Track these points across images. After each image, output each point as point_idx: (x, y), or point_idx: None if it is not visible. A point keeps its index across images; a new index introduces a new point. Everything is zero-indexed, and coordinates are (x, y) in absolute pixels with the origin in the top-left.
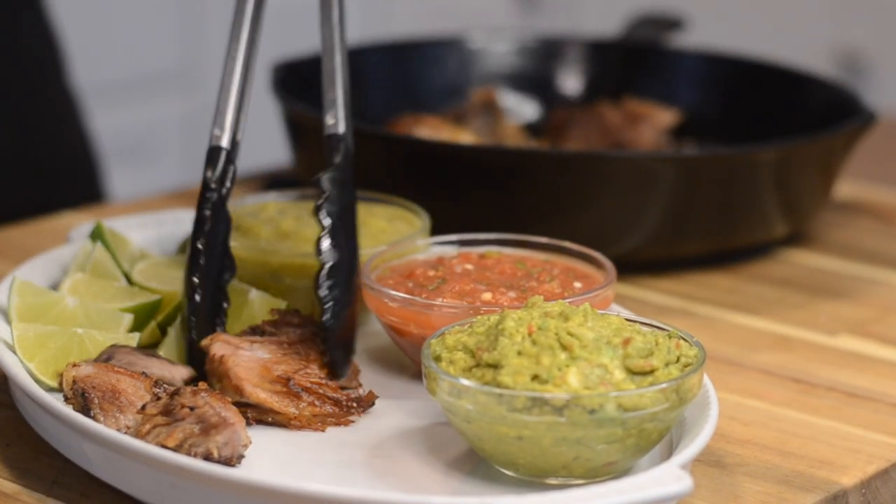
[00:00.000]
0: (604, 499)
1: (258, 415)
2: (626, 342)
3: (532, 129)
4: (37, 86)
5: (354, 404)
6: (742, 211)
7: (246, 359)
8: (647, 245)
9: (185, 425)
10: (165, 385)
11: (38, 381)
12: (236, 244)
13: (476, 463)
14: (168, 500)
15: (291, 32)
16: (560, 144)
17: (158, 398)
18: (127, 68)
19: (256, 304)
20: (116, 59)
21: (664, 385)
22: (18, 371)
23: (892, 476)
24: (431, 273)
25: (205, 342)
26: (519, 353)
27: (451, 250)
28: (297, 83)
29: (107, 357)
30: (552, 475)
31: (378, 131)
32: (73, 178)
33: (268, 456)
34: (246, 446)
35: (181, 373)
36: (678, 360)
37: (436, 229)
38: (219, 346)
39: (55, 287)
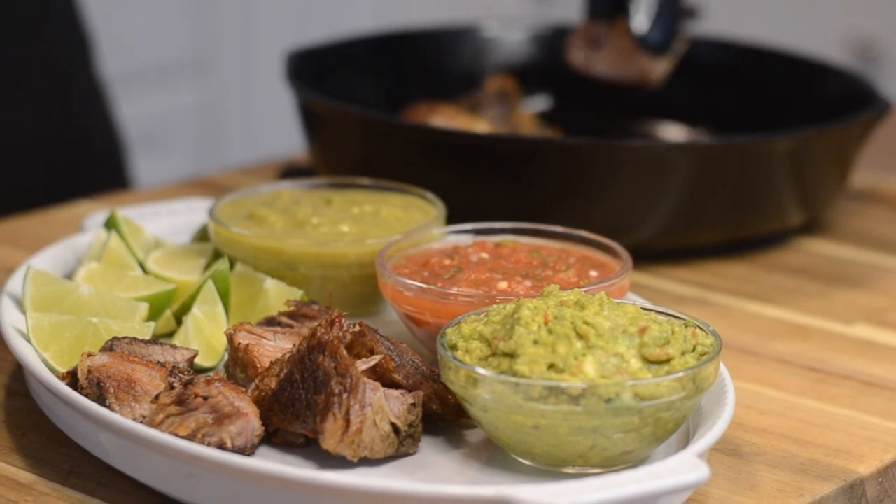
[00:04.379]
0: (620, 488)
1: None
2: (643, 331)
3: (547, 117)
4: (66, 74)
5: None
6: (757, 200)
7: (270, 348)
8: (663, 234)
9: (199, 415)
10: (181, 374)
11: (53, 370)
12: (250, 233)
13: (493, 452)
14: (184, 489)
15: (305, 21)
16: (589, 67)
17: (173, 387)
18: (142, 58)
19: (272, 293)
20: (131, 48)
21: (680, 374)
22: (34, 360)
23: None
24: (447, 262)
25: (228, 331)
26: (535, 342)
27: (466, 239)
28: (312, 71)
29: (108, 348)
30: (569, 464)
31: (393, 120)
32: (100, 165)
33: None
34: (259, 436)
35: (184, 355)
36: (694, 348)
37: (451, 218)
38: (243, 335)
39: (70, 276)
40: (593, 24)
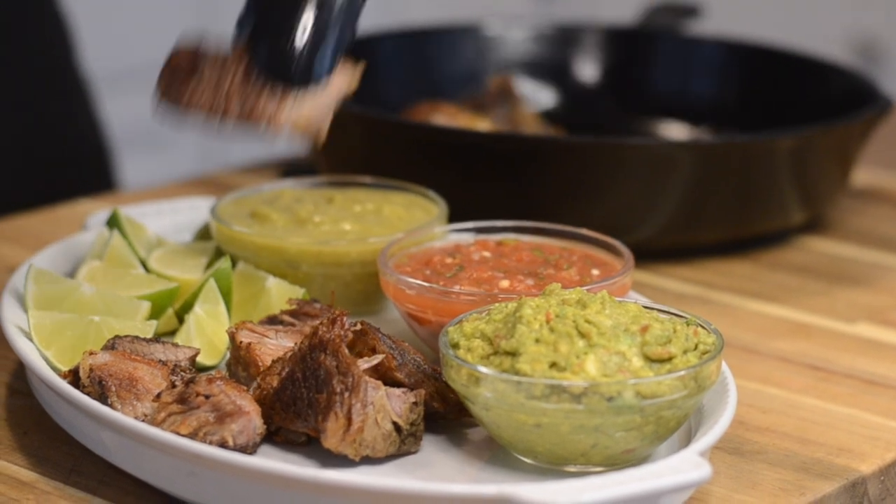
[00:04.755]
0: (622, 486)
1: None
2: (644, 329)
3: (549, 116)
4: (48, 73)
5: None
6: (760, 198)
7: (272, 347)
8: (665, 232)
9: (200, 413)
10: (182, 373)
11: (55, 369)
12: (252, 231)
13: (494, 451)
14: (186, 487)
15: None
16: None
17: (174, 386)
18: (142, 54)
19: (273, 291)
20: (131, 45)
21: (682, 372)
22: (35, 359)
23: None
24: (449, 260)
25: (230, 329)
26: (537, 341)
27: (468, 238)
28: None
29: (110, 347)
30: (571, 463)
31: (395, 119)
32: (85, 165)
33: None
34: (261, 435)
35: (186, 353)
36: (696, 347)
37: (453, 217)
38: (245, 333)
39: (72, 275)
40: None
